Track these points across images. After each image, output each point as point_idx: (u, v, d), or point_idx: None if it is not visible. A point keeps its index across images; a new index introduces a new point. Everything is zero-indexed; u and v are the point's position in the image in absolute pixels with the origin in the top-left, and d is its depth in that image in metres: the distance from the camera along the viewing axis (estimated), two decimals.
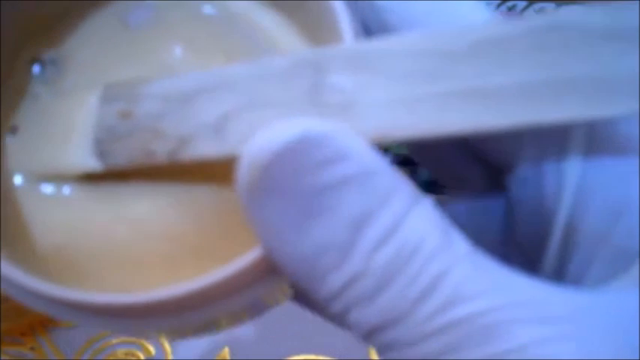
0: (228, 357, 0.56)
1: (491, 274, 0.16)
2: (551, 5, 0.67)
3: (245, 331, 0.56)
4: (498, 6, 0.68)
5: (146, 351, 0.56)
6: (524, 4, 0.68)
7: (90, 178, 0.22)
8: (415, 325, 0.16)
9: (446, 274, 0.16)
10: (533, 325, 0.16)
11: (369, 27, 0.21)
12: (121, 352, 0.56)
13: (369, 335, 0.17)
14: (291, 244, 0.17)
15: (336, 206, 0.16)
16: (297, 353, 0.56)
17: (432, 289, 0.16)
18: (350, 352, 0.51)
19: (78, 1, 0.24)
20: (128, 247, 0.21)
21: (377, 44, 0.18)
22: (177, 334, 0.22)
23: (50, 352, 0.56)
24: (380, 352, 0.17)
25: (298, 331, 0.55)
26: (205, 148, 0.19)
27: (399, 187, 0.17)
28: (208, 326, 0.21)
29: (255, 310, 0.21)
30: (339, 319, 0.17)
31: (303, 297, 0.23)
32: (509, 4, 0.68)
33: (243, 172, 0.17)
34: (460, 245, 0.16)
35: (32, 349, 0.57)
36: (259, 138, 0.17)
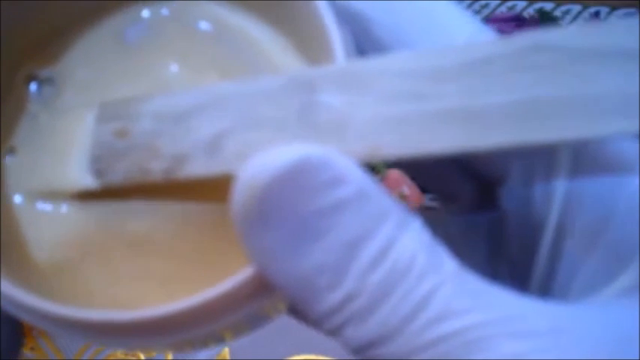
0: (228, 357, 0.56)
1: (477, 292, 0.17)
2: (550, 5, 0.67)
3: None
4: (498, 6, 0.68)
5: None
6: (524, 4, 0.68)
7: (87, 196, 0.22)
8: (405, 340, 0.17)
9: (435, 292, 0.17)
10: (515, 340, 0.16)
11: (362, 45, 0.21)
12: (121, 352, 0.57)
13: (363, 350, 0.17)
14: (286, 265, 0.17)
15: (332, 229, 0.17)
16: (297, 353, 0.56)
17: (423, 307, 0.17)
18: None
19: (73, 18, 0.24)
20: (125, 264, 0.21)
21: (367, 64, 0.18)
22: (179, 349, 0.22)
23: (50, 352, 0.57)
24: None
25: (298, 331, 0.55)
26: (200, 167, 0.20)
27: (391, 209, 0.17)
28: (209, 340, 0.21)
29: (256, 322, 0.22)
30: (333, 335, 0.18)
31: (297, 311, 0.23)
32: (509, 4, 0.68)
33: (239, 196, 0.17)
34: (448, 264, 0.17)
35: (32, 349, 0.57)
36: (255, 162, 0.17)
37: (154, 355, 0.56)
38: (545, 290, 0.21)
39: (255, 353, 0.56)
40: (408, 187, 0.62)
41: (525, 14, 0.67)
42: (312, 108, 0.18)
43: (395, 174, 0.61)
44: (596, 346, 0.17)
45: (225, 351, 0.57)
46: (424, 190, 0.62)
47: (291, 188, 0.16)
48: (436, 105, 0.18)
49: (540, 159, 0.20)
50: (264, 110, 0.19)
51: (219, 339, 0.22)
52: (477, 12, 0.68)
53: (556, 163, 0.20)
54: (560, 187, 0.20)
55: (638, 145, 0.20)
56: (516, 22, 0.66)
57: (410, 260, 0.17)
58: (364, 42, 0.21)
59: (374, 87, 0.18)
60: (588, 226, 0.19)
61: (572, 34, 0.17)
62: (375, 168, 0.59)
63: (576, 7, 0.66)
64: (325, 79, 0.18)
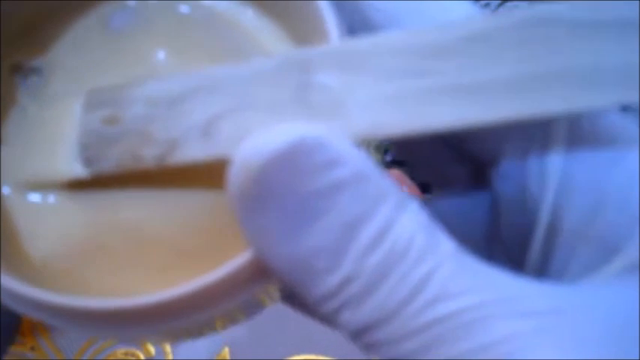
0: (228, 357, 0.56)
1: (475, 272, 0.17)
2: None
3: (245, 331, 0.56)
4: (498, 6, 0.68)
5: (146, 351, 0.56)
6: (525, 4, 0.68)
7: (79, 185, 0.22)
8: (402, 323, 0.16)
9: (432, 274, 0.16)
10: (513, 320, 0.16)
11: (354, 27, 0.21)
12: (120, 352, 0.56)
13: (359, 334, 0.17)
14: (284, 247, 0.17)
15: (329, 210, 0.16)
16: (297, 353, 0.56)
17: (420, 289, 0.16)
18: (350, 352, 0.51)
19: (59, 7, 0.24)
20: (120, 253, 0.21)
21: (363, 42, 0.18)
22: (174, 337, 0.22)
23: (50, 352, 0.57)
24: (367, 350, 0.17)
25: (298, 331, 0.55)
26: (194, 152, 0.19)
27: (389, 190, 0.17)
28: (205, 328, 0.21)
29: (251, 309, 0.21)
30: (329, 319, 0.18)
31: (292, 298, 0.23)
32: (509, 4, 0.68)
33: (235, 178, 0.17)
34: (446, 245, 0.17)
35: (32, 349, 0.57)
36: (251, 143, 0.17)
37: (153, 354, 0.56)
38: (541, 273, 0.21)
39: (255, 353, 0.56)
40: (408, 187, 0.62)
41: None
42: (307, 88, 0.18)
43: (395, 173, 0.61)
44: (596, 326, 0.16)
45: (225, 351, 0.56)
46: (424, 189, 0.62)
47: (287, 169, 0.16)
48: (434, 81, 0.17)
49: (534, 135, 0.20)
50: (258, 92, 0.19)
51: (214, 327, 0.21)
52: None
53: (551, 139, 0.20)
54: (555, 166, 0.20)
55: (632, 119, 0.20)
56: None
57: (408, 241, 0.16)
58: (359, 27, 0.21)
59: (371, 65, 0.18)
60: (583, 207, 0.19)
61: (571, 6, 0.17)
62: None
63: None
64: (320, 58, 0.18)
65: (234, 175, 0.17)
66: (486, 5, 0.68)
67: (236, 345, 0.56)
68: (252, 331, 0.56)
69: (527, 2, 0.68)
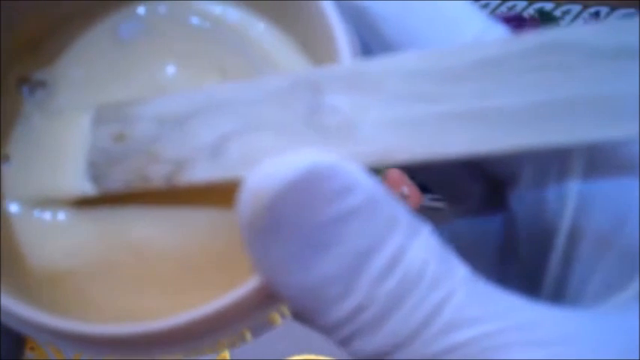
0: (228, 357, 0.56)
1: (490, 299, 0.17)
2: (550, 5, 0.67)
3: None
4: (498, 6, 0.68)
5: None
6: (524, 4, 0.68)
7: (87, 203, 0.21)
8: (415, 351, 0.16)
9: (446, 301, 0.16)
10: (528, 348, 0.16)
11: (368, 44, 0.21)
12: None
13: None
14: (295, 276, 0.17)
15: (341, 239, 0.16)
16: (297, 353, 0.56)
17: (434, 316, 0.16)
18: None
19: (67, 18, 0.23)
20: (128, 272, 0.21)
21: (375, 64, 0.18)
22: (183, 356, 0.22)
23: (50, 352, 0.56)
24: None
25: (298, 331, 0.55)
26: (203, 172, 0.19)
27: (401, 216, 0.17)
28: (212, 348, 0.21)
29: (260, 329, 0.21)
30: (342, 345, 0.17)
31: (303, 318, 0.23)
32: (509, 4, 0.68)
33: (245, 207, 0.17)
34: (459, 271, 0.17)
35: (32, 349, 0.57)
36: (261, 171, 0.16)
37: None
38: (558, 294, 0.20)
39: (255, 353, 0.56)
40: (408, 187, 0.62)
41: (525, 14, 0.67)
42: (318, 110, 0.18)
43: (395, 174, 0.61)
44: (611, 355, 0.16)
45: (225, 351, 0.56)
46: (424, 189, 0.62)
47: (299, 199, 0.16)
48: (447, 107, 0.17)
49: (553, 160, 0.20)
50: (268, 113, 0.18)
51: (224, 346, 0.21)
52: None
53: (569, 165, 0.20)
54: (574, 189, 0.19)
55: None
56: (516, 22, 0.66)
57: (421, 268, 0.16)
58: (371, 40, 0.21)
59: (382, 88, 0.18)
60: (602, 229, 0.19)
61: (585, 32, 0.17)
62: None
63: (576, 7, 0.66)
64: (331, 80, 0.18)
65: (244, 204, 0.17)
66: (486, 5, 0.68)
67: None
68: None
69: (526, 2, 0.68)
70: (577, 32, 0.17)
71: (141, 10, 0.24)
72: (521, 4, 0.68)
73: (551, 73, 0.17)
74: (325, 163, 0.16)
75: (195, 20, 0.24)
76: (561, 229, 0.20)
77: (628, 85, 0.16)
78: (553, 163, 0.20)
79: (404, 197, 0.62)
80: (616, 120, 0.16)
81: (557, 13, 0.67)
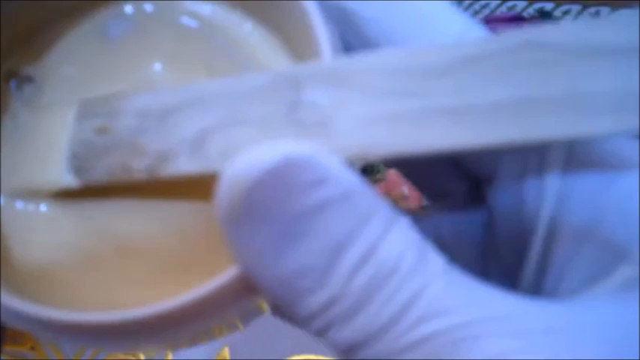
0: (228, 357, 0.56)
1: (465, 290, 0.17)
2: (550, 5, 0.67)
3: (245, 331, 0.56)
4: (498, 6, 0.68)
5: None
6: (524, 4, 0.68)
7: (71, 195, 0.22)
8: (390, 341, 0.16)
9: (422, 292, 0.16)
10: (503, 339, 0.16)
11: (350, 42, 0.21)
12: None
13: (348, 352, 0.17)
14: (271, 266, 0.17)
15: (316, 230, 0.16)
16: (297, 353, 0.56)
17: (409, 306, 0.16)
18: None
19: (55, 14, 0.23)
20: (110, 264, 0.21)
21: (354, 61, 0.18)
22: (171, 347, 0.22)
23: (50, 352, 0.57)
24: None
25: (298, 331, 0.55)
26: (184, 165, 0.19)
27: (377, 208, 0.17)
28: (202, 336, 0.21)
29: (249, 316, 0.21)
30: (318, 336, 0.17)
31: (281, 312, 0.23)
32: (509, 4, 0.68)
33: (223, 195, 0.17)
34: (436, 263, 0.17)
35: (32, 349, 0.57)
36: (239, 161, 0.17)
37: (153, 355, 0.56)
38: (536, 289, 0.20)
39: (255, 353, 0.56)
40: (408, 188, 0.62)
41: (525, 14, 0.67)
42: (298, 106, 0.18)
43: (394, 174, 0.61)
44: (590, 345, 0.16)
45: (225, 351, 0.56)
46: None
47: (275, 187, 0.16)
48: (425, 103, 0.17)
49: (532, 156, 0.20)
50: (249, 108, 0.19)
51: (212, 335, 0.21)
52: (477, 12, 0.68)
53: (548, 160, 0.20)
54: (552, 185, 0.20)
55: (632, 142, 0.19)
56: (516, 22, 0.66)
57: (397, 259, 0.16)
58: (353, 40, 0.21)
59: (362, 85, 0.18)
60: (579, 224, 0.19)
61: (565, 30, 0.17)
62: (374, 168, 0.58)
63: (576, 7, 0.66)
64: (312, 76, 0.18)
65: (222, 192, 0.17)
66: (486, 5, 0.68)
67: (236, 345, 0.56)
68: (252, 331, 0.56)
69: (526, 2, 0.68)
70: (555, 30, 0.17)
71: (128, 8, 0.24)
72: (521, 4, 0.68)
73: (530, 70, 0.17)
74: (302, 154, 0.16)
75: (182, 19, 0.24)
76: (539, 225, 0.20)
77: (608, 82, 0.16)
78: (532, 159, 0.20)
79: (404, 197, 0.62)
80: (595, 117, 0.16)
81: (558, 13, 0.67)
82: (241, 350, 0.56)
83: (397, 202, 0.60)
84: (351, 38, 0.21)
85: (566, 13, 0.67)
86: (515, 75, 0.17)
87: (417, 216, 0.21)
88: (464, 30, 0.20)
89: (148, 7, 0.24)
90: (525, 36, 0.17)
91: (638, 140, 0.19)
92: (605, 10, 0.66)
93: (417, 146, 0.17)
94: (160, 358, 0.56)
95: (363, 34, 0.21)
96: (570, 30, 0.17)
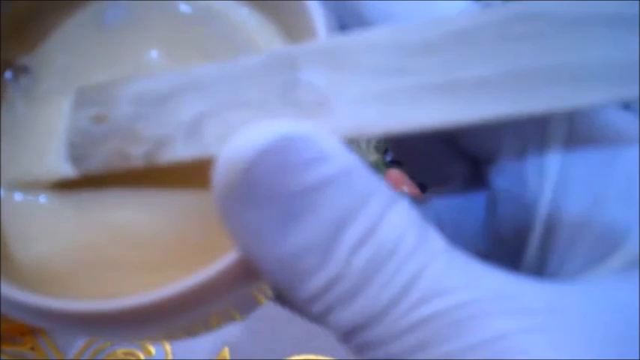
0: (228, 357, 0.56)
1: (467, 270, 0.16)
2: None
3: (245, 331, 0.56)
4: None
5: (146, 351, 0.56)
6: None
7: (69, 186, 0.22)
8: (392, 322, 0.16)
9: (422, 272, 0.16)
10: (507, 317, 0.16)
11: (346, 22, 0.21)
12: (120, 352, 0.56)
13: (349, 335, 0.17)
14: (271, 247, 0.16)
15: (316, 208, 0.16)
16: (297, 353, 0.56)
17: (409, 287, 0.16)
18: (350, 352, 0.51)
19: (50, 3, 0.23)
20: (110, 254, 0.21)
21: (349, 39, 0.18)
22: (170, 336, 0.22)
23: (50, 352, 0.56)
24: (359, 353, 0.17)
25: (298, 331, 0.55)
26: (182, 150, 0.19)
27: (377, 187, 0.17)
28: (200, 326, 0.21)
29: (246, 307, 0.21)
30: (319, 320, 0.17)
31: (283, 298, 0.22)
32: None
33: (220, 176, 0.17)
34: (436, 243, 0.17)
35: (32, 349, 0.57)
36: (236, 141, 0.16)
37: (153, 354, 0.56)
38: (538, 271, 0.20)
39: (255, 353, 0.56)
40: (408, 187, 0.62)
41: None
42: (294, 86, 0.18)
43: (395, 173, 0.61)
44: (593, 324, 0.16)
45: (225, 351, 0.56)
46: (424, 189, 0.62)
47: (273, 166, 0.16)
48: (421, 79, 0.17)
49: (532, 134, 0.20)
50: (245, 90, 0.18)
51: (210, 325, 0.21)
52: None
53: (548, 139, 0.20)
54: (553, 164, 0.19)
55: (631, 116, 0.19)
56: None
57: (397, 239, 0.16)
58: (348, 18, 0.21)
59: (357, 63, 0.18)
60: (582, 202, 0.19)
61: (557, 2, 0.17)
62: (374, 168, 0.58)
63: None
64: (307, 56, 0.18)
65: (219, 172, 0.17)
66: (487, 6, 0.68)
67: (236, 345, 0.56)
68: (252, 331, 0.56)
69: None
70: (545, 2, 0.17)
71: None
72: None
73: (523, 42, 0.17)
74: (300, 133, 0.16)
75: (178, 6, 0.24)
76: (541, 206, 0.20)
77: (600, 53, 0.16)
78: (532, 138, 0.20)
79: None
80: (589, 87, 0.16)
81: None
82: (241, 350, 0.56)
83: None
84: (350, 21, 0.21)
85: None
86: (509, 47, 0.17)
87: (417, 201, 0.21)
88: (463, 10, 0.20)
89: None
90: (517, 8, 0.17)
91: (633, 112, 0.19)
92: None
93: (412, 123, 0.17)
94: (160, 358, 0.56)
95: (359, 14, 0.21)
96: (563, 1, 0.17)
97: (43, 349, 0.57)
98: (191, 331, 0.22)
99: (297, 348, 0.56)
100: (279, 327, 0.55)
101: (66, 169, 0.21)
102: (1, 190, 0.22)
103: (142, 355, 0.56)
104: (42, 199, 0.22)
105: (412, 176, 0.60)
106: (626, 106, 0.19)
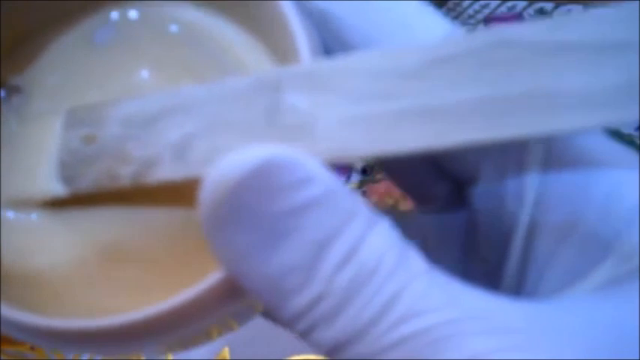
0: (228, 357, 0.56)
1: (446, 290, 0.17)
2: (550, 5, 0.67)
3: (245, 331, 0.56)
4: (498, 6, 0.68)
5: None
6: (524, 4, 0.68)
7: (58, 204, 0.22)
8: (373, 341, 0.16)
9: (402, 292, 0.16)
10: (485, 337, 0.16)
11: (330, 46, 0.21)
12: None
13: (332, 353, 0.17)
14: (256, 266, 0.17)
15: (299, 229, 0.16)
16: (297, 353, 0.56)
17: (389, 307, 0.16)
18: None
19: (40, 24, 0.24)
20: (102, 271, 0.21)
21: (332, 64, 0.18)
22: (165, 350, 0.22)
23: (50, 352, 0.57)
24: None
25: None
26: (168, 171, 0.19)
27: (359, 209, 0.17)
28: (197, 339, 0.21)
29: (242, 317, 0.22)
30: (303, 337, 0.18)
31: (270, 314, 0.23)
32: (510, 4, 0.68)
33: (205, 198, 0.17)
34: (416, 263, 0.17)
35: (32, 349, 0.57)
36: (222, 164, 0.17)
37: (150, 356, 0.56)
38: (517, 289, 0.21)
39: (255, 353, 0.56)
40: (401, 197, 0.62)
41: (525, 14, 0.67)
42: (278, 109, 0.18)
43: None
44: (567, 343, 0.16)
45: (225, 351, 0.56)
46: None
47: (257, 188, 0.16)
48: (402, 104, 0.17)
49: (512, 156, 0.20)
50: (231, 112, 0.19)
51: (207, 337, 0.22)
52: (477, 12, 0.68)
53: (527, 161, 0.20)
54: (532, 185, 0.20)
55: (607, 140, 0.20)
56: (517, 22, 0.66)
57: (378, 259, 0.16)
58: (332, 43, 0.21)
59: (339, 87, 0.18)
60: (559, 223, 0.19)
61: (536, 28, 0.17)
62: (375, 168, 0.58)
63: (577, 7, 0.66)
64: (290, 79, 0.18)
65: (205, 194, 0.17)
66: (486, 6, 0.68)
67: (236, 345, 0.56)
68: (252, 331, 0.56)
69: (526, 2, 0.68)
70: (525, 29, 0.17)
71: (114, 15, 0.24)
72: (521, 4, 0.67)
73: (502, 68, 0.17)
74: (283, 155, 0.17)
75: (167, 26, 0.24)
76: (520, 224, 0.20)
77: (578, 80, 0.16)
78: (511, 160, 0.20)
79: (404, 197, 0.61)
80: (565, 114, 0.16)
81: (558, 13, 0.67)
82: (241, 350, 0.56)
83: (398, 202, 0.60)
84: (331, 41, 0.21)
85: (566, 13, 0.67)
86: (486, 74, 0.17)
87: (399, 218, 0.21)
88: (444, 36, 0.21)
89: (134, 14, 0.24)
90: (497, 34, 0.17)
91: (611, 138, 0.19)
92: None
93: (392, 147, 0.18)
94: (160, 358, 0.56)
95: (342, 37, 0.21)
96: (539, 28, 0.17)
97: (43, 349, 0.57)
98: (187, 344, 0.22)
99: (297, 348, 0.56)
100: (278, 327, 0.55)
101: (57, 188, 0.21)
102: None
103: (142, 355, 0.57)
104: (34, 217, 0.22)
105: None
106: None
